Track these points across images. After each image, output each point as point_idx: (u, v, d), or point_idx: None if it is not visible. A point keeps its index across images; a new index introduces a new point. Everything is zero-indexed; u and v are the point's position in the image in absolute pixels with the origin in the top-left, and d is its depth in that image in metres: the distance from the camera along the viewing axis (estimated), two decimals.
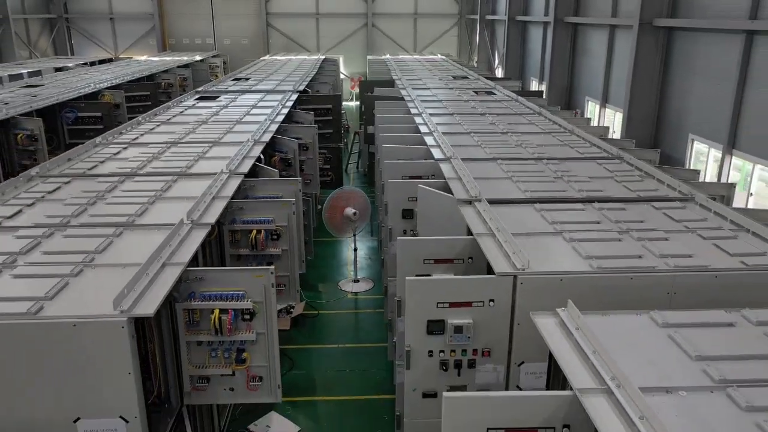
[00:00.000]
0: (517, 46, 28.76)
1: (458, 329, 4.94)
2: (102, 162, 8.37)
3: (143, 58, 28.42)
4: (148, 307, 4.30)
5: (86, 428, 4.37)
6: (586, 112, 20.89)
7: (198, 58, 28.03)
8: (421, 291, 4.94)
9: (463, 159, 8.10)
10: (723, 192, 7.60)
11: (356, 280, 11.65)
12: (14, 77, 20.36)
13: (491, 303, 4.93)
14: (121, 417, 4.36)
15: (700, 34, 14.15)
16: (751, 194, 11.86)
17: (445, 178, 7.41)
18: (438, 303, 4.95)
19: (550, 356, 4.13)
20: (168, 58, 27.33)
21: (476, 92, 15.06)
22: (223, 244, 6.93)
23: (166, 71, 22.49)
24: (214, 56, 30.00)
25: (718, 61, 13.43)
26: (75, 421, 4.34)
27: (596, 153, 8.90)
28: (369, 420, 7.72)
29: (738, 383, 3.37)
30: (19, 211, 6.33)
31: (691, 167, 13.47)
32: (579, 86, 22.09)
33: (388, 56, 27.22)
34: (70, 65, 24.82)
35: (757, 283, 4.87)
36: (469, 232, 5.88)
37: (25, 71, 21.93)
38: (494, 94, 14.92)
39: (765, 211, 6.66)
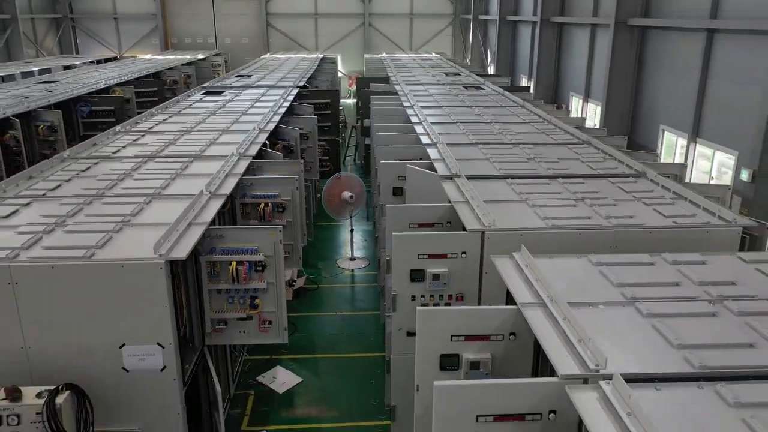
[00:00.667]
0: (507, 44, 29.76)
1: (436, 277, 5.91)
2: (124, 147, 9.32)
3: (147, 56, 29.34)
4: (181, 252, 5.28)
5: (129, 353, 5.34)
6: (571, 107, 21.88)
7: (201, 56, 28.95)
8: (405, 244, 5.90)
9: (447, 144, 9.06)
10: (676, 171, 8.56)
11: (353, 258, 12.62)
12: (26, 74, 21.35)
13: (464, 255, 5.90)
14: (158, 343, 5.33)
15: (669, 32, 15.21)
16: (712, 178, 12.86)
17: (430, 160, 8.38)
18: (419, 255, 5.91)
19: (508, 293, 5.11)
20: (171, 57, 28.25)
21: (466, 87, 15.99)
22: (235, 215, 7.91)
23: (170, 69, 23.41)
24: (215, 55, 30.93)
25: (684, 57, 14.48)
26: (120, 347, 5.31)
27: (568, 139, 9.87)
28: (362, 372, 8.71)
29: (644, 299, 4.37)
30: (59, 186, 7.29)
31: (662, 155, 14.48)
32: (564, 82, 23.11)
33: (384, 55, 28.03)
34: (77, 63, 25.76)
35: (684, 238, 5.83)
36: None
37: (36, 69, 22.88)
38: (483, 89, 15.86)
39: (708, 185, 7.64)
